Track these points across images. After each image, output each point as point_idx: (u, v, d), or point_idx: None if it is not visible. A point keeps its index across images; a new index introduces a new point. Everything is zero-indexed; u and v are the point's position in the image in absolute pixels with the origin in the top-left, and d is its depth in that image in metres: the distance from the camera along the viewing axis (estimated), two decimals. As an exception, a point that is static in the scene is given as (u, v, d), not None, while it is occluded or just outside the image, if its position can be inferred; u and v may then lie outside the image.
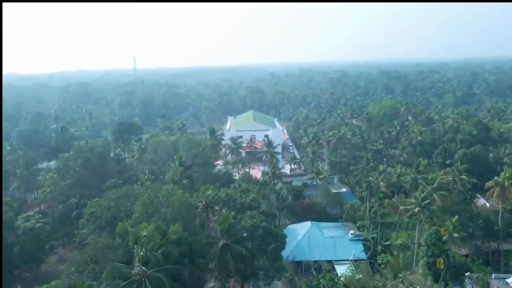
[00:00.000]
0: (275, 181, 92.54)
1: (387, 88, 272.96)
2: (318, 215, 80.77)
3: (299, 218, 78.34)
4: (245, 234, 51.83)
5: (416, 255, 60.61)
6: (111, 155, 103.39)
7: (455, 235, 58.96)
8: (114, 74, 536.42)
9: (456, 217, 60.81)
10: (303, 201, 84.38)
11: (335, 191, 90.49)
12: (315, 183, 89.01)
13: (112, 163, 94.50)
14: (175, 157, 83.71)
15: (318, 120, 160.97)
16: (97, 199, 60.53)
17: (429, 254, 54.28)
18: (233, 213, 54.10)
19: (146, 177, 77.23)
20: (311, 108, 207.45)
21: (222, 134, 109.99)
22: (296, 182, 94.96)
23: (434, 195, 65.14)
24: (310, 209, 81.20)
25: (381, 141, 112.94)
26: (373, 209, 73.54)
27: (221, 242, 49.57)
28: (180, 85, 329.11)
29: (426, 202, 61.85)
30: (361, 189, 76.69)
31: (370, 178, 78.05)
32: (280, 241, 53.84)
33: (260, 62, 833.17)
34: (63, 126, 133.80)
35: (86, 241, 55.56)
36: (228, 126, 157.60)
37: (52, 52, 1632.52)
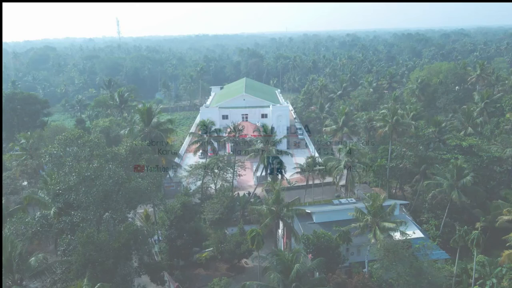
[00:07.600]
0: (281, 215, 45.91)
1: (415, 52, 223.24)
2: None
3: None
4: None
5: None
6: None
7: None
8: (98, 41, 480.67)
9: None
10: (341, 276, 37.33)
11: (400, 237, 42.93)
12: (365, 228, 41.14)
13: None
14: (48, 181, 36.70)
15: (339, 92, 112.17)
16: None
17: None
18: None
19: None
20: (325, 75, 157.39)
21: (170, 122, 57.54)
22: (320, 217, 47.75)
23: None
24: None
25: (470, 130, 64.01)
26: None
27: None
28: (164, 51, 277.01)
29: None
30: None
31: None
32: None
33: (260, 31, 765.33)
34: None
35: None
36: (209, 101, 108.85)
37: (43, 20, 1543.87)
